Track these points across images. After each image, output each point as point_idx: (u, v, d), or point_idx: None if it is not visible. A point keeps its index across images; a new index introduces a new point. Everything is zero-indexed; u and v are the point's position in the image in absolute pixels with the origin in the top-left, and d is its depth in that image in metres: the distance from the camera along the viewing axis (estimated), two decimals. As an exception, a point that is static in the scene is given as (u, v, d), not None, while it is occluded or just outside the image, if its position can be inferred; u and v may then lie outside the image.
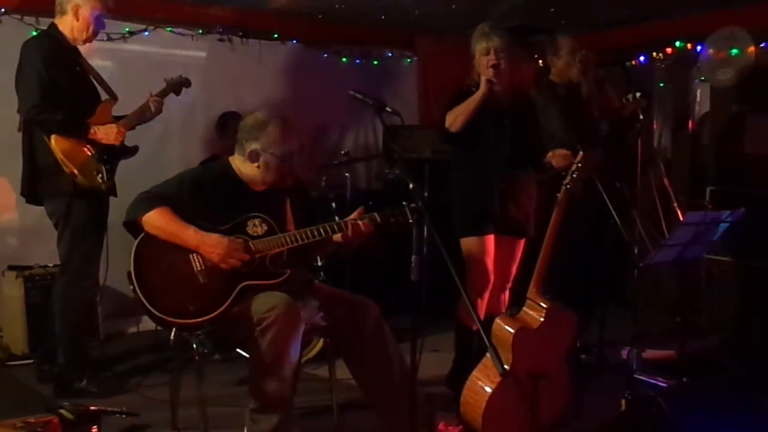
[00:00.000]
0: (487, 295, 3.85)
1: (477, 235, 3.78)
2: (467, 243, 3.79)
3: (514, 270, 3.95)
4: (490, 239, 3.80)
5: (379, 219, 3.17)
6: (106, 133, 3.89)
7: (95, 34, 4.00)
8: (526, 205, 3.88)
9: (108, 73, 4.31)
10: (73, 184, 3.79)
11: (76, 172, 3.76)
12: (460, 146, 3.86)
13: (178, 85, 4.27)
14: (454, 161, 3.94)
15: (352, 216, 3.19)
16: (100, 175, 3.84)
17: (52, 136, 3.74)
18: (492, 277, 3.83)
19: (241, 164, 3.21)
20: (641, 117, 4.28)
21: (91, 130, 3.85)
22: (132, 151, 4.05)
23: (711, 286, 5.06)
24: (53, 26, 3.93)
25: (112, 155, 3.92)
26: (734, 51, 5.33)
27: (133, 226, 3.06)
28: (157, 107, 4.11)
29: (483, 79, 3.68)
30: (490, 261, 3.81)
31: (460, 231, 3.81)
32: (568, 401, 3.29)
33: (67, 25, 3.90)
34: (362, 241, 3.20)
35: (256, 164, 3.16)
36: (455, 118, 3.70)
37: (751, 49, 5.29)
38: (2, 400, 3.86)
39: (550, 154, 3.73)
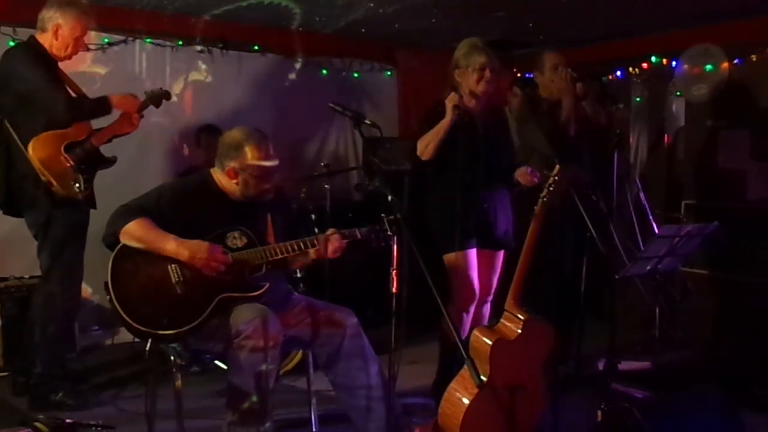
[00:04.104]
0: (473, 308, 3.86)
1: (460, 250, 3.79)
2: (451, 258, 3.79)
3: (495, 282, 3.98)
4: (473, 253, 3.83)
5: (359, 235, 3.19)
6: (125, 102, 4.02)
7: (74, 53, 3.99)
8: (504, 217, 3.92)
9: (86, 84, 4.28)
10: (51, 194, 3.77)
11: (53, 181, 3.74)
12: (432, 169, 3.84)
13: (158, 98, 4.25)
14: (431, 179, 3.92)
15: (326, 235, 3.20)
16: (77, 185, 3.81)
17: (29, 145, 3.71)
18: (477, 291, 3.86)
19: (222, 177, 3.22)
20: (618, 131, 4.33)
21: (113, 101, 3.96)
22: (110, 161, 4.03)
23: (686, 299, 5.11)
24: (33, 39, 3.91)
25: (90, 165, 3.90)
26: (709, 67, 5.42)
27: (111, 240, 3.05)
28: (137, 121, 4.10)
29: (449, 105, 3.66)
30: (474, 275, 3.84)
31: (443, 248, 3.80)
32: (544, 412, 3.31)
33: (47, 41, 3.88)
34: (337, 255, 3.20)
35: (234, 181, 3.17)
36: (426, 146, 3.71)
37: (725, 65, 5.38)
38: (-24, 413, 3.82)
39: (517, 172, 3.77)
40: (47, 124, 3.77)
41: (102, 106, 3.96)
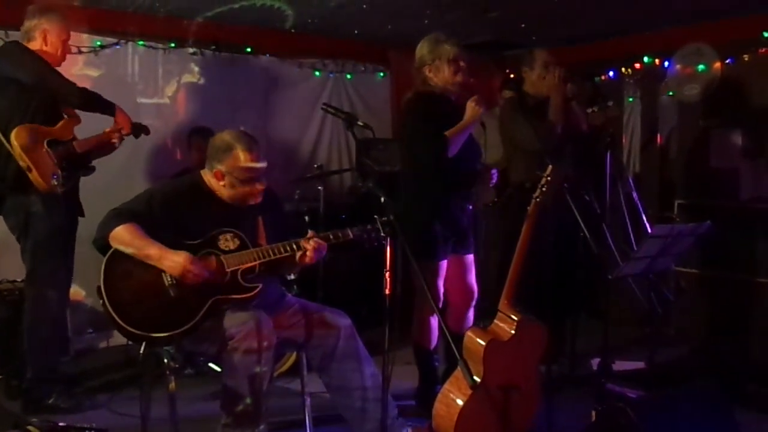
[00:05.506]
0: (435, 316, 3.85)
1: (435, 260, 3.78)
2: (424, 267, 3.65)
3: (475, 284, 3.98)
4: (444, 263, 3.82)
5: (351, 234, 3.19)
6: (124, 117, 4.05)
7: (63, 59, 4.00)
8: (466, 220, 3.92)
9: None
10: (32, 193, 3.74)
11: (32, 167, 3.70)
12: (423, 170, 3.81)
13: (138, 131, 4.23)
14: (418, 180, 3.86)
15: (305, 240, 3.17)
16: (56, 177, 3.77)
17: (12, 133, 3.69)
18: (441, 297, 3.85)
19: (211, 178, 3.21)
20: (611, 131, 4.33)
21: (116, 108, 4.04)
22: (89, 168, 4.01)
23: (679, 298, 5.13)
24: (23, 46, 3.90)
25: (70, 166, 3.88)
26: (701, 67, 5.44)
27: (101, 243, 3.04)
28: (119, 141, 4.09)
29: (473, 105, 3.66)
30: (441, 283, 3.84)
31: (422, 253, 3.65)
32: (538, 412, 3.31)
33: (36, 48, 3.87)
34: (314, 259, 3.17)
35: (222, 183, 3.16)
36: (452, 144, 3.63)
37: (717, 64, 5.40)
38: (-31, 417, 3.81)
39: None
40: (37, 119, 3.77)
41: (110, 106, 4.02)
